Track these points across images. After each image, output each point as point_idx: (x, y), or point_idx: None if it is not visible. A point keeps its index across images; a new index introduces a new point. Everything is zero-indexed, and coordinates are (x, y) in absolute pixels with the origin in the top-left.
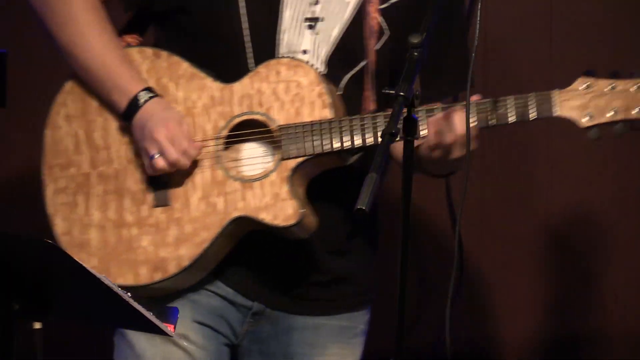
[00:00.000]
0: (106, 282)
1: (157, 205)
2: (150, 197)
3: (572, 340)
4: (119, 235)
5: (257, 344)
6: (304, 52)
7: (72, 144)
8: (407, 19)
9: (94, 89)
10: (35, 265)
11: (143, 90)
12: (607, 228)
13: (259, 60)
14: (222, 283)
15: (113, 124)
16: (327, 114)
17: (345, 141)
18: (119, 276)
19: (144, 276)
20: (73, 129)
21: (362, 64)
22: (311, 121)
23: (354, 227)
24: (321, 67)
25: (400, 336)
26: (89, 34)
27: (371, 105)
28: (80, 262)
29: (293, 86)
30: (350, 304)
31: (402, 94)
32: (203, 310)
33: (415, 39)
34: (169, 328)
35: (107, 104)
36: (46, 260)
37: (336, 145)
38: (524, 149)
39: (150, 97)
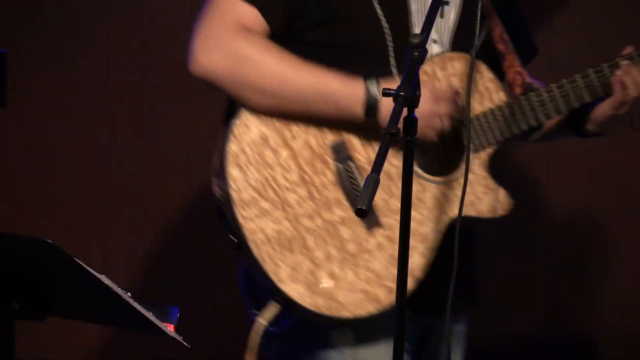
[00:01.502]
0: (106, 281)
1: (369, 228)
2: (359, 221)
3: (570, 340)
4: (346, 268)
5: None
6: (434, 41)
7: (258, 191)
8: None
9: (314, 109)
10: (35, 264)
11: (366, 80)
12: (606, 231)
13: (399, 58)
14: None
15: (296, 164)
16: (504, 96)
17: (533, 122)
18: (359, 308)
19: (384, 300)
20: (254, 177)
21: (483, 36)
22: (491, 109)
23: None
24: (449, 48)
25: (401, 335)
26: (288, 67)
27: (516, 74)
28: (81, 262)
29: (458, 78)
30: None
31: (402, 93)
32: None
33: (416, 39)
34: (168, 328)
35: (336, 117)
36: (45, 259)
37: (523, 126)
38: (523, 150)
39: (376, 80)
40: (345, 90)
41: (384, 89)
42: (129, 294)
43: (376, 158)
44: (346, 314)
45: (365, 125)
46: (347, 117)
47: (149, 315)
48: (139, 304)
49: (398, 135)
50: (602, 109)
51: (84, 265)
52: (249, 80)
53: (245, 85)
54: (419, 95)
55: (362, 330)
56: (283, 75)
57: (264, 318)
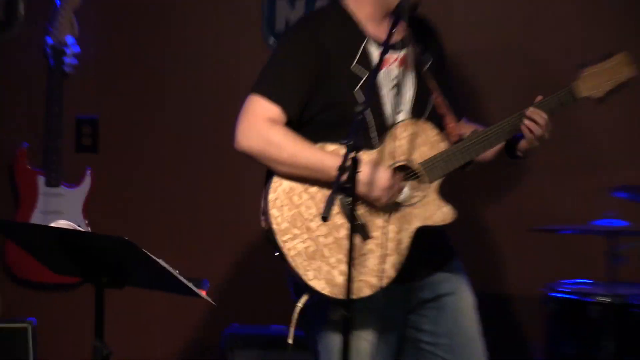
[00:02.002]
0: (162, 263)
1: (365, 239)
2: (358, 235)
3: None
4: (350, 265)
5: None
6: (400, 112)
7: (290, 223)
8: (439, 71)
9: (312, 176)
10: (117, 253)
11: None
12: (484, 226)
13: (378, 129)
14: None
15: (313, 203)
16: (444, 146)
17: (467, 159)
18: (361, 291)
19: (374, 286)
20: (287, 214)
21: (431, 104)
22: (438, 153)
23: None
24: (409, 116)
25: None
26: (299, 148)
27: (454, 127)
28: (147, 252)
29: (416, 135)
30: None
31: (351, 142)
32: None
33: (358, 108)
34: (202, 292)
35: (320, 181)
36: (124, 250)
37: (461, 163)
38: None
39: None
40: (332, 167)
41: (340, 140)
42: (177, 271)
43: (334, 184)
44: (353, 296)
45: None
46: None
47: (190, 284)
48: (184, 277)
49: (346, 170)
50: (523, 142)
51: (148, 253)
52: (273, 156)
53: (270, 160)
54: (362, 144)
55: (357, 311)
56: (295, 154)
57: (300, 302)
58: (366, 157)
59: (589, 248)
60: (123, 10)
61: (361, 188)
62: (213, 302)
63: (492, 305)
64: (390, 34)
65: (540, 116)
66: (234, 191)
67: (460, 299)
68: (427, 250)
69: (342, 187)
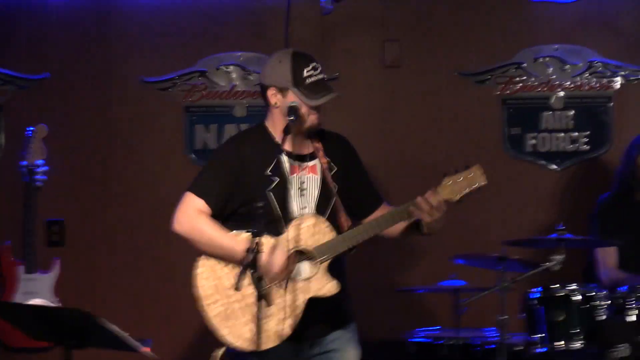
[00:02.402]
0: (116, 328)
1: (268, 305)
2: (262, 303)
3: None
4: (257, 324)
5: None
6: (304, 208)
7: (212, 291)
8: (343, 178)
9: (226, 256)
10: (78, 321)
11: (248, 248)
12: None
13: (286, 222)
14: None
15: (230, 276)
16: (333, 235)
17: (349, 245)
18: (265, 344)
19: (276, 340)
20: (210, 284)
21: (332, 203)
22: (328, 240)
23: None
24: (312, 212)
25: None
26: (215, 234)
27: (345, 221)
28: (102, 320)
29: (312, 227)
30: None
31: (256, 231)
32: None
33: (260, 205)
34: (147, 350)
35: (233, 261)
36: (83, 319)
37: (345, 248)
38: None
39: (255, 250)
40: (241, 250)
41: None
42: (127, 334)
43: (243, 263)
44: (259, 348)
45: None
46: (240, 261)
47: (138, 344)
48: (132, 338)
49: (252, 252)
50: (424, 220)
51: (104, 321)
52: (196, 239)
53: (195, 241)
54: (264, 231)
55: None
56: (212, 238)
57: (217, 352)
58: (270, 242)
59: (438, 302)
60: (80, 138)
61: (261, 268)
62: (156, 356)
63: (366, 349)
64: (281, 146)
65: (427, 202)
66: (170, 266)
67: (345, 354)
68: (321, 315)
69: (249, 265)
